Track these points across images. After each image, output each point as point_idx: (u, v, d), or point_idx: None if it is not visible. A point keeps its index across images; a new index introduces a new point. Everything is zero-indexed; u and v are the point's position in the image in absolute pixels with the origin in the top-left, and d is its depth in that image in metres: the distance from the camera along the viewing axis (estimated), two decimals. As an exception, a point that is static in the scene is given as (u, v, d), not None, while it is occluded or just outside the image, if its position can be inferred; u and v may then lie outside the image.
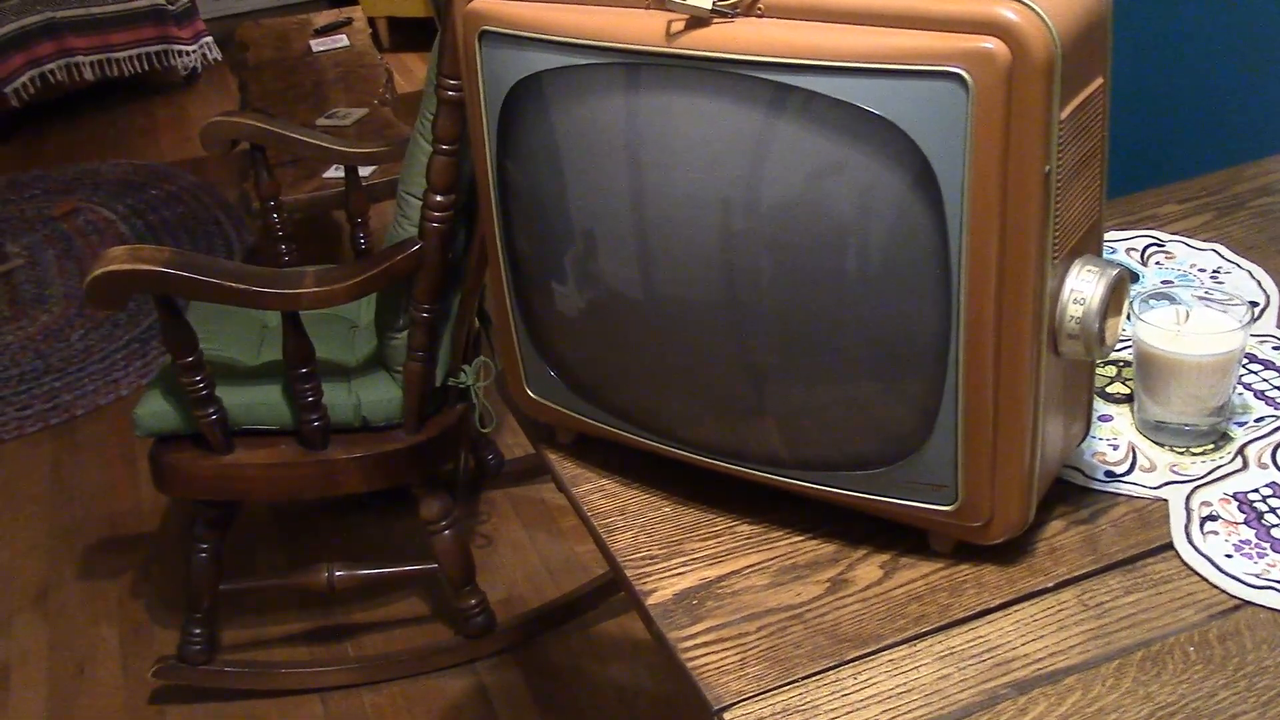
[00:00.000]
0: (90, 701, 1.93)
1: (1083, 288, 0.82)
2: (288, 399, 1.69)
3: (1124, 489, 0.93)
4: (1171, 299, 1.01)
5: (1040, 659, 0.80)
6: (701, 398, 0.92)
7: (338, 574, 1.84)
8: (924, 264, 0.79)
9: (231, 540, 1.98)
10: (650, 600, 0.88)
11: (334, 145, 2.03)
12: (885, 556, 0.89)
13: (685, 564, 0.91)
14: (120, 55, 4.42)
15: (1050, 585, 0.85)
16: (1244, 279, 1.16)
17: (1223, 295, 1.01)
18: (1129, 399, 1.02)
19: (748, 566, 0.90)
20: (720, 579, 0.89)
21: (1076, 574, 0.86)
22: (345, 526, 2.22)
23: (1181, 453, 0.96)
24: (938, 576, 0.87)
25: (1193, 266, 1.19)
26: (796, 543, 0.91)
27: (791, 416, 0.88)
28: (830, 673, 0.80)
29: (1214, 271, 1.18)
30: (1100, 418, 1.00)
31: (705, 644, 0.83)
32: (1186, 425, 0.96)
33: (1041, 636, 0.81)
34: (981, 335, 0.79)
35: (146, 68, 4.47)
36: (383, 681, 1.91)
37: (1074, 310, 0.82)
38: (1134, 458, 0.96)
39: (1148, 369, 0.96)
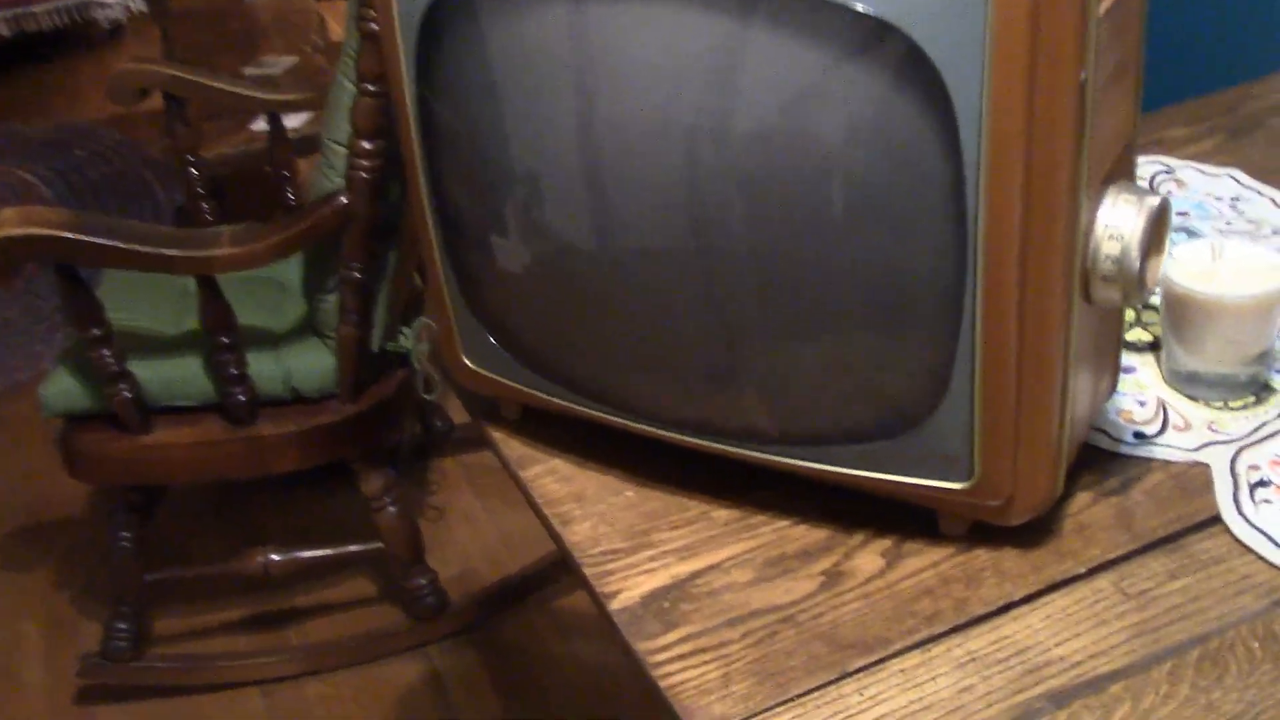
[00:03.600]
0: (11, 703, 1.79)
1: (1119, 221, 0.69)
2: (210, 372, 1.54)
3: (1158, 452, 0.80)
4: (1190, 232, 0.88)
5: (1079, 662, 0.67)
6: (668, 365, 0.78)
7: (274, 559, 1.70)
8: (933, 198, 0.66)
9: (160, 526, 1.83)
10: (615, 604, 0.74)
11: (253, 93, 1.86)
12: (887, 542, 0.76)
13: (654, 558, 0.77)
14: (37, 10, 4.18)
15: (1083, 571, 0.73)
16: (1267, 207, 1.04)
17: (1246, 226, 0.88)
18: (1153, 347, 0.90)
19: (727, 559, 0.77)
20: (695, 575, 0.76)
21: (1112, 556, 0.73)
22: (284, 507, 2.08)
23: (1219, 408, 0.83)
24: (950, 565, 0.74)
25: (1208, 195, 1.07)
26: (782, 529, 0.78)
27: (775, 384, 0.75)
28: (831, 688, 0.67)
29: (1232, 200, 1.06)
30: (1122, 370, 0.88)
31: (681, 656, 0.70)
32: (1224, 375, 0.83)
33: (1078, 635, 0.69)
34: (1003, 281, 0.66)
35: (66, 22, 4.24)
36: (328, 670, 1.77)
37: (1109, 248, 0.69)
38: (1165, 415, 0.83)
39: (1179, 313, 0.83)
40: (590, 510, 0.82)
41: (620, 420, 0.82)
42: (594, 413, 0.83)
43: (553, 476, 0.85)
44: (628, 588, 0.75)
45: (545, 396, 0.85)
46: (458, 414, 2.20)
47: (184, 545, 2.00)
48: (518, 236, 0.81)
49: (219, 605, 1.88)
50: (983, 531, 0.75)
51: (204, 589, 1.89)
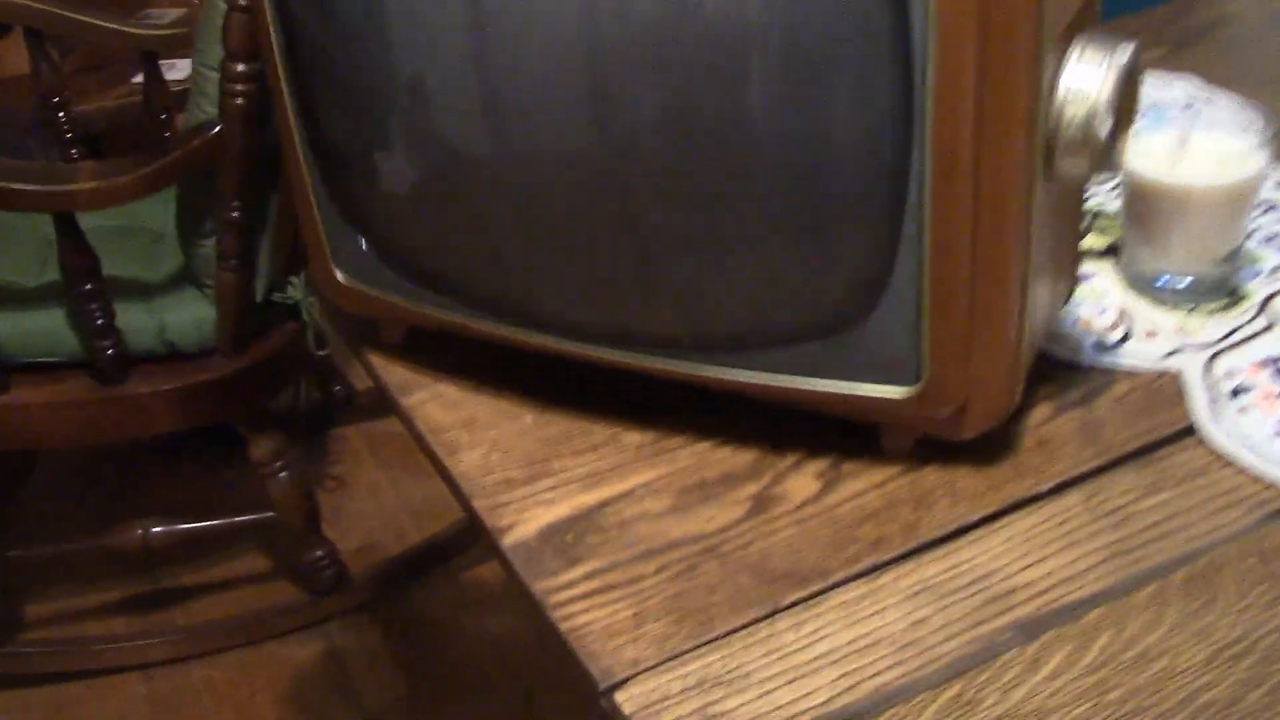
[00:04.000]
0: None
1: (1085, 80, 0.59)
2: (74, 325, 1.39)
3: (1123, 362, 0.71)
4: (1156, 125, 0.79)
5: (1049, 588, 0.58)
6: (571, 267, 0.68)
7: (154, 531, 1.56)
8: (872, 52, 0.55)
9: (30, 500, 1.68)
10: (508, 539, 0.64)
11: (125, 28, 1.71)
12: (822, 464, 0.66)
13: (555, 487, 0.67)
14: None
15: (1047, 489, 0.63)
16: (1226, 109, 0.95)
17: (1212, 121, 0.80)
18: (1110, 252, 0.81)
19: (639, 486, 0.66)
20: (603, 504, 0.65)
21: (1079, 472, 0.64)
22: (171, 480, 1.93)
23: (1187, 313, 0.75)
24: (895, 486, 0.64)
25: (1163, 100, 0.98)
26: (702, 452, 0.68)
27: (690, 278, 0.64)
28: (762, 625, 0.57)
29: (1186, 106, 0.97)
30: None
31: (586, 595, 0.60)
32: (1193, 276, 0.74)
33: (1045, 558, 0.59)
34: (955, 152, 0.56)
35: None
36: (216, 652, 1.64)
37: (1073, 111, 0.59)
38: (1129, 323, 0.75)
39: (1142, 207, 0.74)
40: (481, 437, 0.71)
41: (518, 335, 0.71)
42: (487, 329, 0.72)
43: (439, 403, 0.74)
44: (523, 520, 0.65)
45: (432, 310, 0.74)
46: (360, 380, 2.07)
47: (57, 521, 1.85)
48: (391, 134, 0.70)
49: (96, 585, 1.74)
50: (931, 449, 0.65)
51: (80, 567, 1.74)
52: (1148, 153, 0.74)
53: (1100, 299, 0.77)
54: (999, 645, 0.55)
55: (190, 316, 1.44)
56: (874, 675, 0.54)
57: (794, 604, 0.58)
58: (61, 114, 1.75)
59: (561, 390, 0.73)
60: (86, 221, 1.35)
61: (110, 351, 1.39)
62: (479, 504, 0.66)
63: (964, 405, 0.62)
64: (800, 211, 0.61)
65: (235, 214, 1.36)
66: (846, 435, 0.66)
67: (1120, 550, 0.59)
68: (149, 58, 1.73)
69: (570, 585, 0.60)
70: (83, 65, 2.39)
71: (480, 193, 0.68)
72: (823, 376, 0.64)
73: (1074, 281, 0.73)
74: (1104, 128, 0.59)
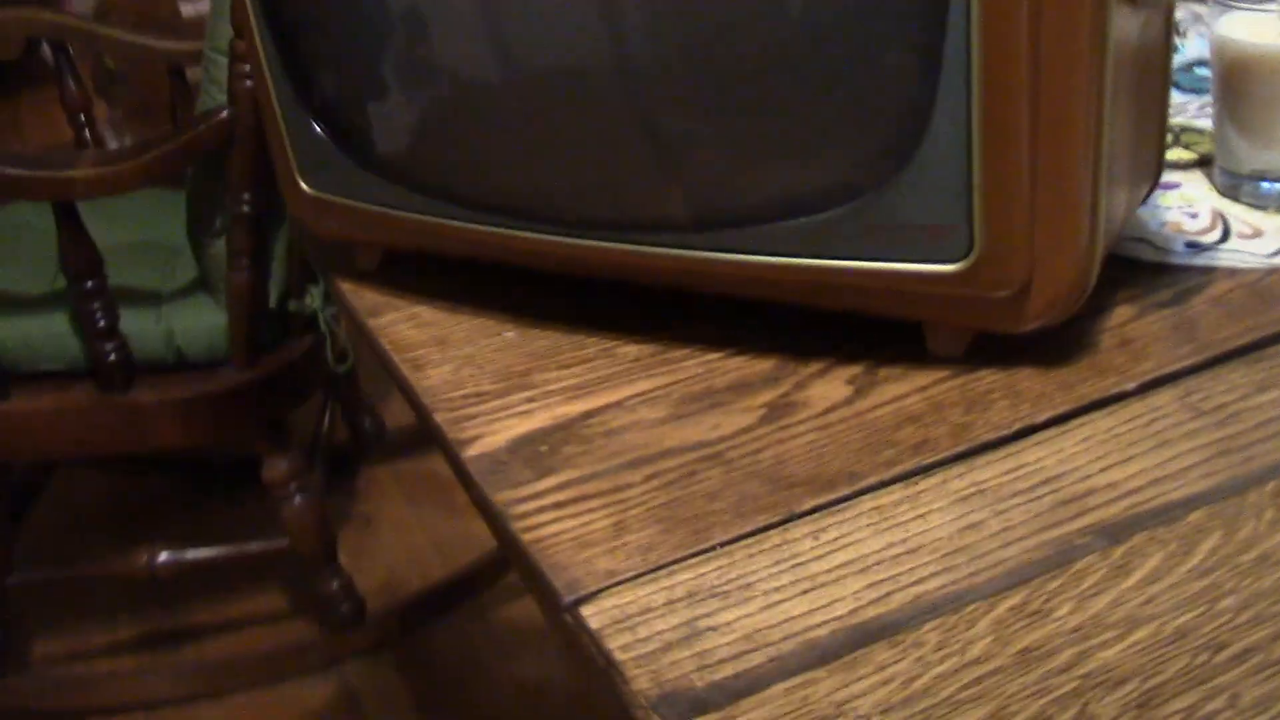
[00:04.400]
0: None
1: None
2: (76, 328, 1.32)
3: (1222, 259, 0.59)
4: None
5: (1137, 489, 0.45)
6: (567, 145, 0.57)
7: (161, 559, 1.46)
8: None
9: (51, 528, 1.60)
10: (471, 451, 0.53)
11: (154, 42, 1.66)
12: (854, 370, 0.55)
13: (533, 400, 0.56)
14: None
15: (1133, 387, 0.51)
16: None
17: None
18: (1199, 165, 0.69)
19: (633, 396, 0.55)
20: (588, 415, 0.54)
21: (1171, 369, 0.52)
22: (193, 509, 1.84)
23: (1295, 213, 0.63)
24: (944, 389, 0.53)
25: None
26: (712, 362, 0.57)
27: (698, 136, 0.54)
28: (772, 532, 0.45)
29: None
30: (1162, 186, 0.67)
31: (558, 505, 0.48)
32: (1300, 171, 0.63)
33: (1131, 458, 0.47)
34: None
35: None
36: (227, 692, 1.53)
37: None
38: (1226, 224, 0.63)
39: (1243, 89, 0.63)
40: (453, 354, 0.60)
41: (505, 237, 0.61)
42: (471, 234, 0.62)
43: (411, 323, 0.64)
44: (492, 432, 0.54)
45: (411, 216, 0.64)
46: (391, 417, 1.98)
47: (67, 549, 1.76)
48: (380, 14, 0.61)
49: (104, 616, 1.64)
50: (989, 350, 0.54)
51: (87, 597, 1.65)
52: (1245, 26, 0.63)
53: (1191, 205, 0.65)
54: (1074, 550, 0.43)
55: (200, 323, 1.35)
56: (912, 584, 0.42)
57: (813, 510, 0.46)
58: (88, 131, 1.70)
59: (550, 307, 0.62)
60: (105, 239, 1.28)
61: (114, 356, 1.31)
62: (441, 418, 0.55)
63: (1026, 286, 0.51)
64: (819, 37, 0.50)
65: (246, 207, 1.28)
66: (885, 342, 0.55)
67: (1229, 448, 0.47)
68: (176, 76, 1.68)
69: (538, 495, 0.49)
70: (134, 108, 2.37)
71: (471, 120, 0.59)
72: (851, 256, 0.53)
73: (1156, 178, 0.61)
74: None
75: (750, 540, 0.45)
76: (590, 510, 0.48)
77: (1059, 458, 0.48)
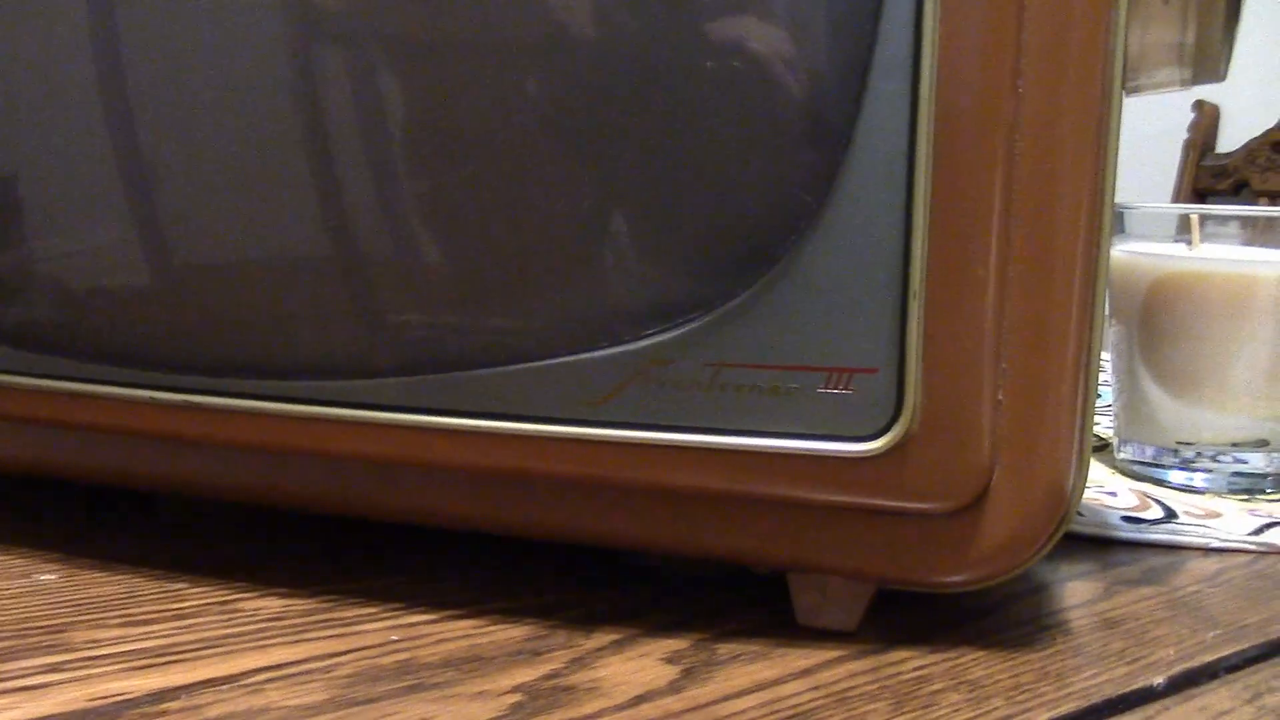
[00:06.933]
0: None
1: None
2: None
3: (1187, 538, 0.40)
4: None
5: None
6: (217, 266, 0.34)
7: None
8: None
9: None
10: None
11: None
12: (679, 643, 0.31)
13: (58, 669, 0.28)
14: None
15: (1160, 683, 0.29)
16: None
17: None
18: (1097, 449, 0.52)
19: (261, 670, 0.29)
20: (159, 696, 0.27)
21: (1206, 659, 0.31)
22: None
23: (1244, 499, 0.45)
24: (840, 675, 0.29)
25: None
26: (418, 627, 0.31)
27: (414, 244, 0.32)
28: None
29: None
30: (1051, 465, 0.48)
31: None
32: (1247, 439, 0.46)
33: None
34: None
35: None
36: None
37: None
38: (1162, 503, 0.44)
39: (1163, 315, 0.46)
40: (-66, 598, 0.32)
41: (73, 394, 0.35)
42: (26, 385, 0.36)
43: (-126, 557, 0.35)
44: (-50, 717, 0.26)
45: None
46: None
47: None
48: None
49: None
50: (886, 622, 0.31)
51: None
52: (1161, 248, 0.48)
53: (1101, 485, 0.47)
54: None
55: None
56: None
57: None
58: None
59: (124, 543, 0.36)
60: None
61: None
62: None
63: (981, 495, 0.30)
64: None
65: None
66: (725, 606, 0.32)
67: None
68: None
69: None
70: None
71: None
72: (683, 428, 0.30)
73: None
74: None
75: None
76: None
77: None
